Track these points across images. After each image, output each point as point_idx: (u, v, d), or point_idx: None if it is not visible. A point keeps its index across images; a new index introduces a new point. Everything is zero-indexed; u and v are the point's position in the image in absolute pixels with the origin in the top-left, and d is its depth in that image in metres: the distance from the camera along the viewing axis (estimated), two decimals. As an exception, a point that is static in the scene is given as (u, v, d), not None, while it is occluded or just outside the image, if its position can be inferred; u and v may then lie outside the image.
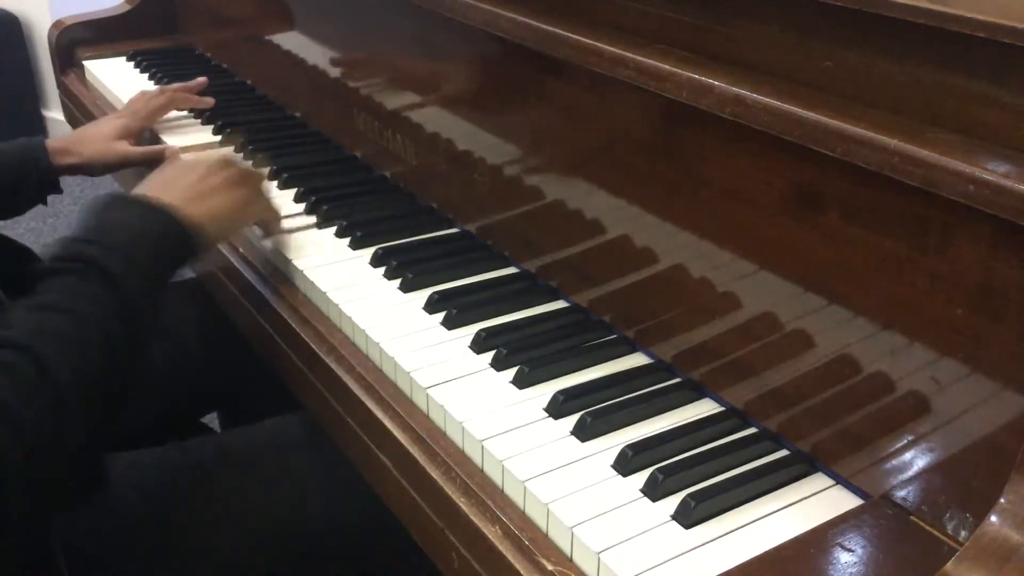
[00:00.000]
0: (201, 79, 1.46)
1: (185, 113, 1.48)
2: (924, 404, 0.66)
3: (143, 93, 1.40)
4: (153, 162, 1.32)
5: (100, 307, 0.76)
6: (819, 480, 0.74)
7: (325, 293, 0.96)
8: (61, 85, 1.76)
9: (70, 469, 0.73)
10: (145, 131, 1.38)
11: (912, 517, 0.68)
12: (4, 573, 0.79)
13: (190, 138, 1.38)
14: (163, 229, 0.86)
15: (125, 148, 1.30)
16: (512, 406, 0.81)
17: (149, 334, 0.82)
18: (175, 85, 1.43)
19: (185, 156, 1.05)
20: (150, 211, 0.87)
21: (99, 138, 1.29)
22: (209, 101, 1.45)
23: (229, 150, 1.09)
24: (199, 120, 1.46)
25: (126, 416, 0.83)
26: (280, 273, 1.04)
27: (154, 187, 0.92)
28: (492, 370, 0.85)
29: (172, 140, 1.37)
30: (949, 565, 0.56)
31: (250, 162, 1.15)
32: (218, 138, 1.38)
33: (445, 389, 0.82)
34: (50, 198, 1.24)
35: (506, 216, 1.03)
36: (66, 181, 1.27)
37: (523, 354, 0.86)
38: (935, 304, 0.64)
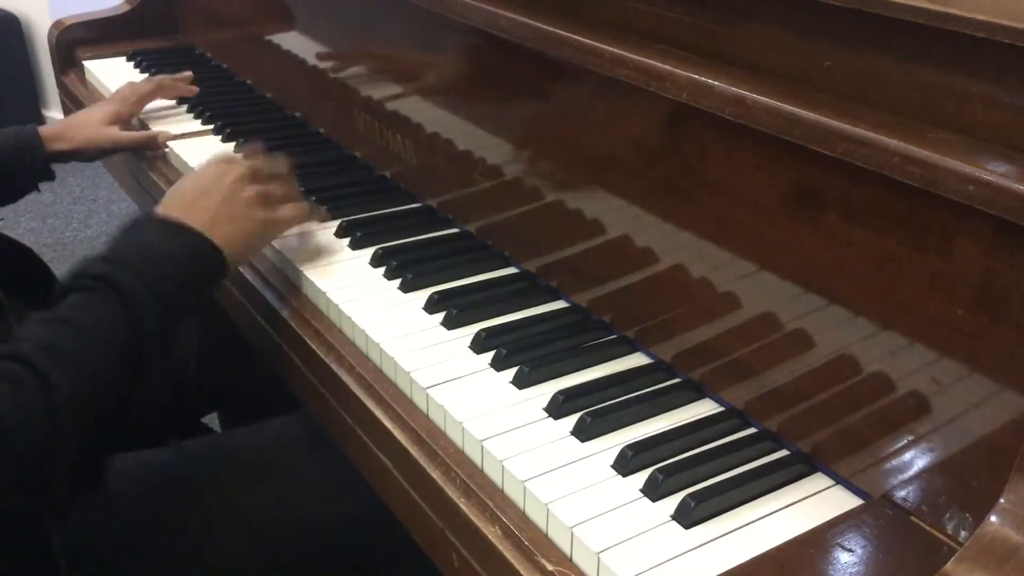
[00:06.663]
0: (187, 72, 1.47)
1: (174, 103, 1.49)
2: (924, 404, 0.66)
3: (130, 82, 1.42)
4: (143, 147, 1.35)
5: (108, 324, 0.78)
6: (819, 480, 0.74)
7: (325, 293, 0.96)
8: (61, 85, 1.76)
9: (67, 475, 0.74)
10: (135, 117, 1.39)
11: (912, 517, 0.68)
12: (4, 573, 0.79)
13: (178, 127, 1.40)
14: (185, 251, 0.86)
15: (116, 133, 1.31)
16: (512, 406, 0.81)
17: (160, 357, 0.82)
18: (161, 76, 1.45)
19: (208, 160, 0.99)
20: (172, 233, 0.87)
21: (90, 123, 1.31)
22: (194, 89, 1.46)
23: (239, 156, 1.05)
24: (191, 114, 1.46)
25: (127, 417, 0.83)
26: (280, 273, 1.04)
27: (178, 206, 0.91)
28: (492, 370, 0.85)
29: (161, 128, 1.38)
30: (949, 565, 0.56)
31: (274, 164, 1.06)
32: (210, 127, 1.40)
33: (445, 389, 0.82)
34: (50, 198, 1.25)
35: (506, 216, 1.03)
36: (65, 180, 1.28)
37: (523, 354, 0.86)
38: (935, 304, 0.64)
